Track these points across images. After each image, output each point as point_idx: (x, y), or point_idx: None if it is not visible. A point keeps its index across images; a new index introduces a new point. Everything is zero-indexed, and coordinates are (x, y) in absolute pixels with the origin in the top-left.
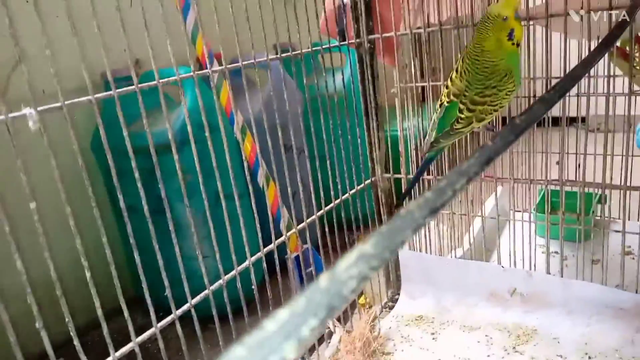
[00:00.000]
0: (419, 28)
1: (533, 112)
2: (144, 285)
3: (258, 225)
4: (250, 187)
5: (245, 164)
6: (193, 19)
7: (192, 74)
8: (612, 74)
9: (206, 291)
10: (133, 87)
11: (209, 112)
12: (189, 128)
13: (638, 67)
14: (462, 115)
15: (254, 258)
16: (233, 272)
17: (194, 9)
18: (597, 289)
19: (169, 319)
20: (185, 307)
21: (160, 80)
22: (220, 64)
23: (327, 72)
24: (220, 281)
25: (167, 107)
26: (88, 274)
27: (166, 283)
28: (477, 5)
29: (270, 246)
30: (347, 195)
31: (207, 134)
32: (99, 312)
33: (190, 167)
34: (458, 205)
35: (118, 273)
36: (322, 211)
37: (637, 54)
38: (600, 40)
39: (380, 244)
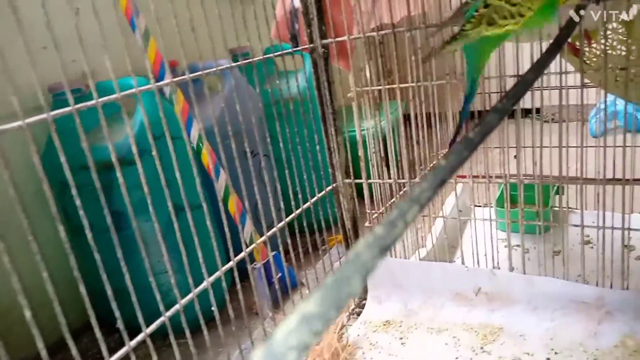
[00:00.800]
0: (372, 31)
1: (487, 124)
2: (91, 314)
3: (214, 243)
4: (203, 197)
5: (198, 180)
6: (143, 27)
7: (134, 90)
8: (564, 70)
9: (162, 318)
10: (70, 108)
11: (164, 123)
12: (134, 148)
13: (588, 62)
14: (475, 13)
15: (212, 278)
16: (190, 296)
17: (142, 17)
18: (559, 284)
19: (122, 351)
20: (139, 338)
21: (99, 100)
22: (173, 72)
23: (284, 76)
24: (177, 306)
25: (119, 119)
26: (28, 314)
27: (117, 314)
28: (429, 6)
29: (230, 263)
30: (308, 203)
31: (153, 152)
32: (43, 353)
33: (147, 180)
34: None
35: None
36: (282, 222)
37: (586, 49)
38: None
39: (326, 300)
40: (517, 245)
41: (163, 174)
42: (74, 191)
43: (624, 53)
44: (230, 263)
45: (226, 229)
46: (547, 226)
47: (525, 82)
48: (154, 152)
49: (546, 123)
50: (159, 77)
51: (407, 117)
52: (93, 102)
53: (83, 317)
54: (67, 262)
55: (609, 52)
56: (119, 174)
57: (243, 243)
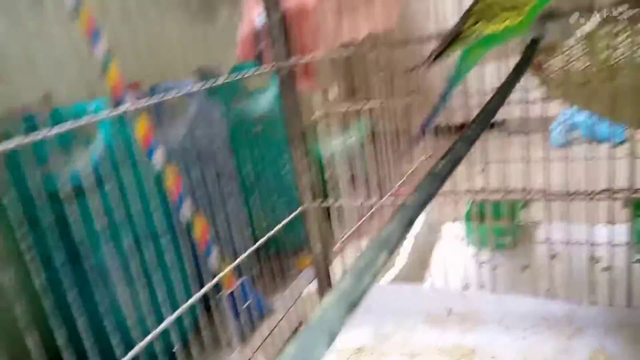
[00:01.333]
0: (337, 50)
1: (455, 153)
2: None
3: (179, 271)
4: (168, 225)
5: (159, 208)
6: (104, 48)
7: (90, 118)
8: (527, 86)
9: None
10: (16, 144)
11: (125, 149)
12: (90, 178)
13: (551, 76)
14: (473, 9)
15: (173, 316)
16: (150, 337)
17: (104, 38)
18: (530, 302)
19: None
20: None
21: (49, 133)
22: (136, 93)
23: (250, 95)
24: (137, 348)
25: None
26: None
27: None
28: (393, 23)
29: (196, 297)
30: (275, 230)
31: (108, 185)
32: None
33: (111, 207)
34: None
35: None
36: (250, 249)
37: (548, 63)
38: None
39: None
40: (487, 261)
41: (126, 201)
42: (20, 229)
43: (585, 66)
44: (196, 296)
45: (191, 257)
46: (515, 241)
47: (491, 108)
48: (108, 186)
49: (510, 135)
50: (121, 100)
51: (374, 135)
52: (45, 132)
53: None
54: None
55: (571, 65)
56: (72, 206)
57: (209, 273)
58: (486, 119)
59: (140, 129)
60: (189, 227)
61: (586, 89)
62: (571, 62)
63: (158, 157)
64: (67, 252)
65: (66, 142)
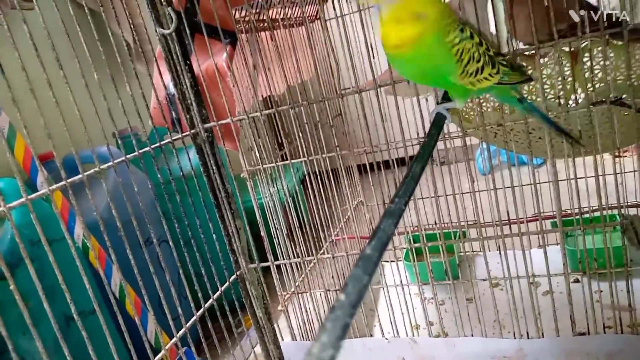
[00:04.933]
0: (255, 110)
1: (383, 233)
2: None
3: (115, 350)
4: (98, 301)
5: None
6: (6, 123)
7: None
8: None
9: None
10: None
11: (43, 225)
12: (2, 264)
13: (467, 117)
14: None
15: None
16: None
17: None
18: (479, 342)
19: None
20: None
21: None
22: (49, 165)
23: (174, 153)
24: None
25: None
26: None
27: None
28: (311, 76)
29: None
30: (211, 300)
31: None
32: None
33: (28, 291)
34: (329, 278)
35: None
36: (192, 320)
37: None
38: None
39: None
40: (432, 298)
41: (48, 282)
42: None
43: (497, 107)
44: None
45: (125, 333)
46: (455, 271)
47: (414, 176)
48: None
49: (436, 167)
50: (32, 176)
51: (305, 181)
52: None
53: None
54: None
55: (484, 107)
56: None
57: (148, 346)
58: (409, 189)
59: (56, 205)
60: (122, 299)
61: (502, 129)
62: (484, 101)
63: (79, 229)
64: None
65: None
